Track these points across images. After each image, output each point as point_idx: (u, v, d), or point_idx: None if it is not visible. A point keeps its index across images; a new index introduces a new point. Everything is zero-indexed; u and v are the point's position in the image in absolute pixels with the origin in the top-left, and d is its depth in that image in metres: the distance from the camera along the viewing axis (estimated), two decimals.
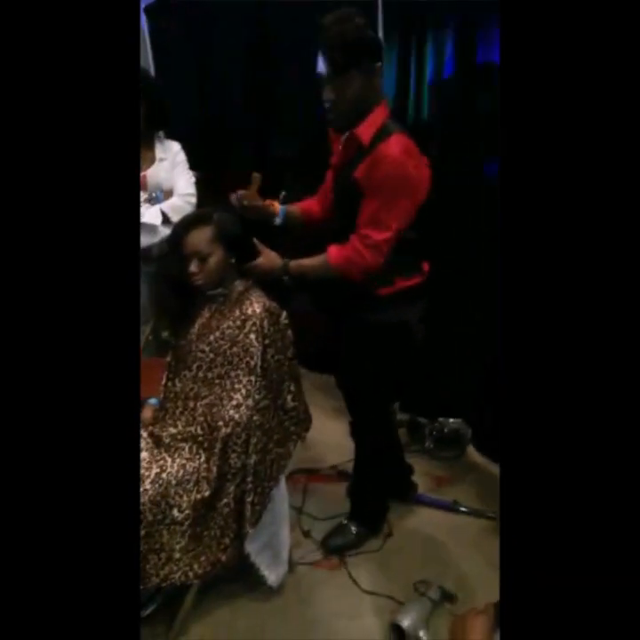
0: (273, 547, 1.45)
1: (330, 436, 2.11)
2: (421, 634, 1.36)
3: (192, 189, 1.96)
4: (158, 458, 1.32)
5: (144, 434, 1.38)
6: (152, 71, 2.61)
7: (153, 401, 1.47)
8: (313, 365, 2.34)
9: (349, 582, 1.57)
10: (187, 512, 1.26)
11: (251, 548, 1.37)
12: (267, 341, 1.34)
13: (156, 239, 1.84)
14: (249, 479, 1.30)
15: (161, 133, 1.98)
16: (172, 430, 1.37)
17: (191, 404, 1.39)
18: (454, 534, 1.74)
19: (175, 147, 1.99)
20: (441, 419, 2.14)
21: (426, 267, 1.54)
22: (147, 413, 1.45)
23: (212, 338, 1.39)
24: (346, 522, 1.71)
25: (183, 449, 1.34)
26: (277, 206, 1.56)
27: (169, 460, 1.31)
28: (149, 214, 1.84)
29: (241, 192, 1.51)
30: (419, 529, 1.78)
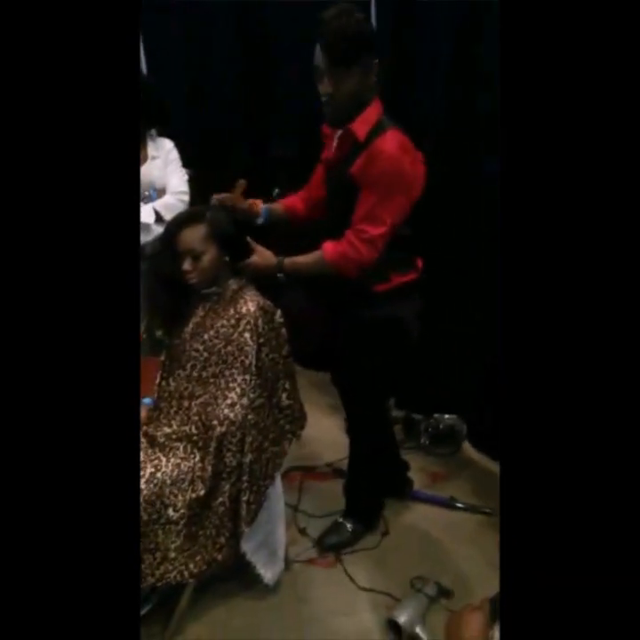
0: (269, 545, 1.45)
1: (325, 434, 2.11)
2: (418, 630, 1.36)
3: (185, 187, 1.95)
4: (153, 457, 1.31)
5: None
6: (144, 68, 2.60)
7: (147, 400, 1.47)
8: (308, 363, 2.34)
9: (346, 579, 1.58)
10: (182, 511, 1.26)
11: (246, 546, 1.37)
12: (261, 340, 1.34)
13: (148, 237, 1.83)
14: (244, 478, 1.30)
15: (153, 131, 1.97)
16: (167, 430, 1.37)
17: (186, 404, 1.38)
18: (450, 530, 1.75)
19: (168, 145, 1.98)
20: (436, 415, 2.14)
21: (420, 263, 1.55)
22: (141, 413, 1.44)
23: (206, 337, 1.38)
24: (341, 519, 1.72)
25: (178, 448, 1.33)
26: (260, 206, 1.55)
27: (164, 459, 1.31)
28: (142, 212, 1.83)
29: (223, 195, 1.49)
30: (415, 525, 1.78)
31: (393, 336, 1.52)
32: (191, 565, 1.27)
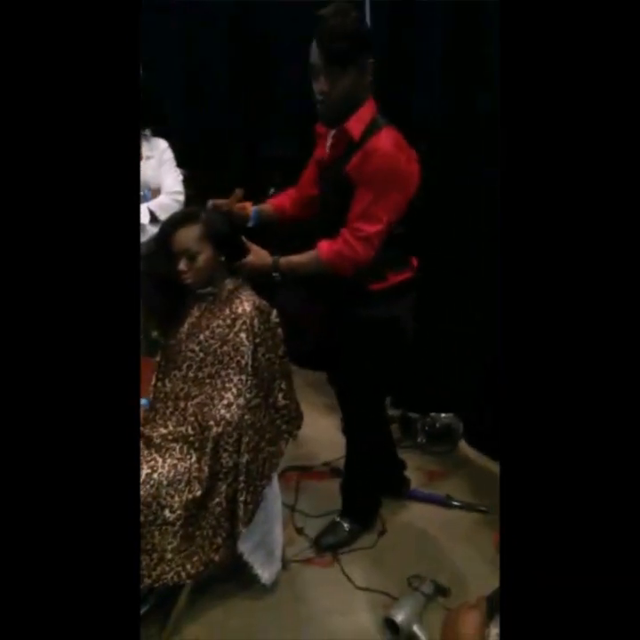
0: (266, 545, 1.45)
1: (322, 433, 2.11)
2: (415, 628, 1.36)
3: (180, 187, 1.95)
4: (149, 458, 1.31)
5: None
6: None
7: (143, 401, 1.46)
8: (304, 362, 2.33)
9: (343, 579, 1.58)
10: (178, 512, 1.26)
11: (244, 547, 1.37)
12: (257, 340, 1.34)
13: (143, 238, 1.83)
14: (241, 478, 1.30)
15: (148, 131, 1.97)
16: (163, 430, 1.36)
17: (182, 404, 1.38)
18: (447, 528, 1.75)
19: (162, 144, 1.98)
20: (433, 414, 2.15)
21: (414, 262, 1.55)
22: None
23: (202, 337, 1.38)
24: (338, 519, 1.72)
25: (174, 449, 1.33)
26: (250, 209, 1.55)
27: (160, 460, 1.30)
28: None
29: (219, 201, 1.49)
30: (412, 524, 1.78)
31: (389, 335, 1.53)
32: (188, 566, 1.27)
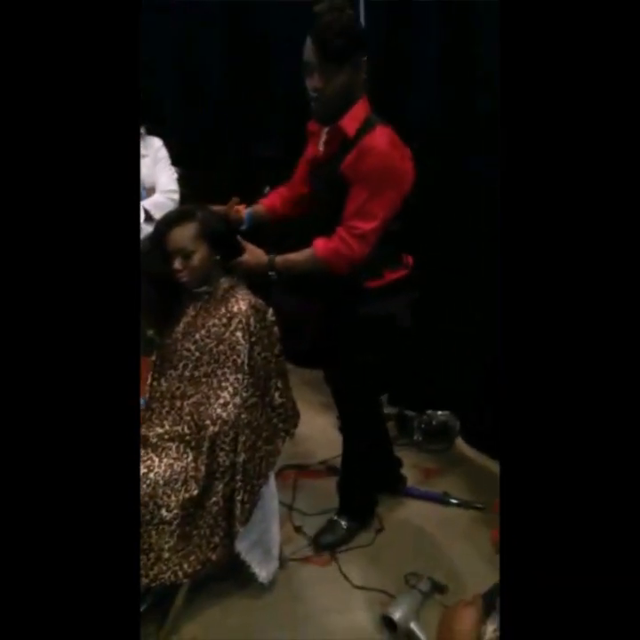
0: (263, 544, 1.45)
1: (318, 432, 2.11)
2: (412, 625, 1.37)
3: (174, 186, 1.94)
4: (145, 458, 1.31)
5: None
6: None
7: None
8: (300, 361, 2.34)
9: (340, 577, 1.58)
10: (175, 511, 1.25)
11: (241, 546, 1.37)
12: (253, 339, 1.34)
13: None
14: (238, 477, 1.29)
15: (142, 129, 1.96)
16: (159, 430, 1.36)
17: (178, 404, 1.38)
18: (444, 526, 1.76)
19: (156, 143, 1.97)
20: (429, 411, 2.15)
21: (409, 259, 1.55)
22: None
23: (197, 336, 1.38)
24: (336, 518, 1.72)
25: (170, 448, 1.33)
26: (243, 212, 1.55)
27: (156, 459, 1.30)
28: None
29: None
30: (409, 521, 1.79)
31: (386, 332, 1.53)
32: (185, 565, 1.27)
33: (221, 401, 1.30)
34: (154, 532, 1.25)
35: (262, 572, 1.46)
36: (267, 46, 2.30)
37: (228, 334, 1.34)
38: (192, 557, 1.28)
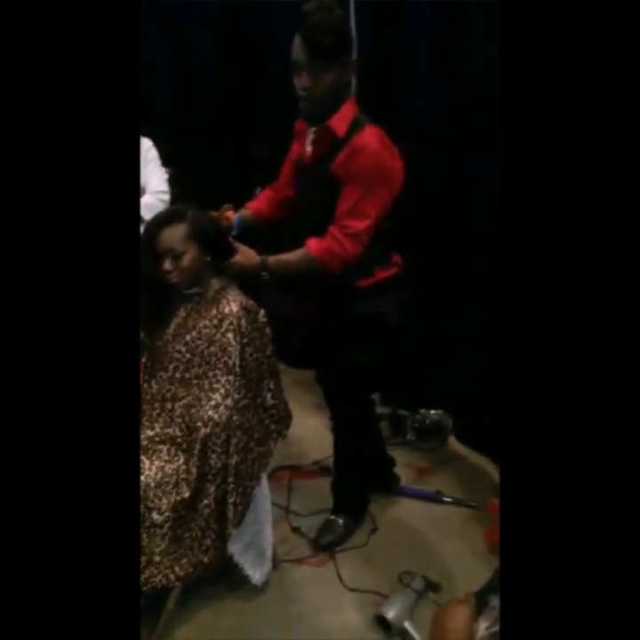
0: (256, 546, 1.45)
1: (311, 433, 2.11)
2: (406, 624, 1.37)
3: (165, 187, 1.94)
4: None
5: None
6: None
7: None
8: (292, 361, 2.33)
9: (335, 577, 1.58)
10: (166, 514, 1.25)
11: (234, 548, 1.36)
12: (245, 340, 1.33)
13: None
14: (230, 479, 1.29)
15: None
16: (150, 432, 1.35)
17: (169, 406, 1.37)
18: (437, 524, 1.76)
19: (146, 143, 1.96)
20: (422, 410, 2.15)
21: (397, 258, 1.56)
22: None
23: (188, 338, 1.37)
24: (332, 517, 1.72)
25: (161, 451, 1.32)
26: (233, 218, 1.55)
27: (147, 462, 1.29)
28: None
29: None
30: (402, 520, 1.79)
31: (377, 331, 1.53)
32: (177, 568, 1.26)
33: (213, 403, 1.30)
34: (145, 536, 1.24)
35: (256, 574, 1.46)
36: (263, 46, 2.30)
37: (219, 336, 1.33)
38: (184, 560, 1.27)
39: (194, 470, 1.27)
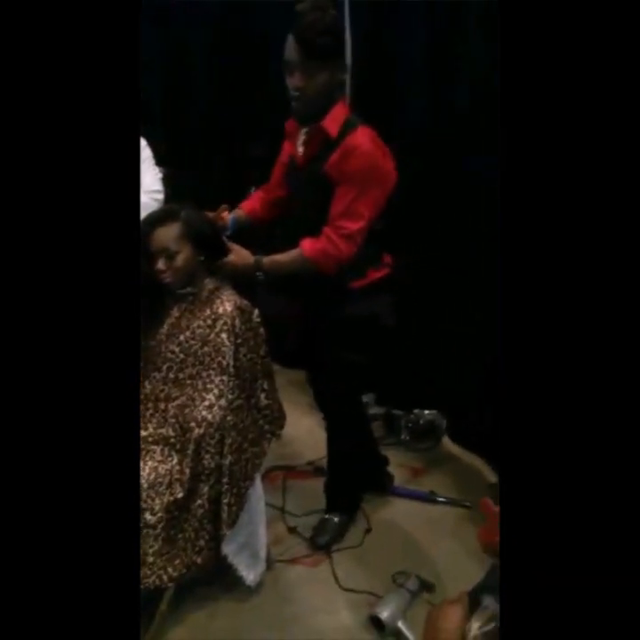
0: (251, 546, 1.44)
1: (305, 433, 2.11)
2: (400, 624, 1.37)
3: (159, 186, 1.92)
4: None
5: None
6: None
7: None
8: (287, 362, 2.33)
9: (329, 578, 1.58)
10: (159, 515, 1.24)
11: (228, 549, 1.36)
12: (238, 340, 1.33)
13: None
14: (224, 480, 1.28)
15: None
16: (143, 433, 1.35)
17: (162, 406, 1.36)
18: (431, 524, 1.76)
19: (141, 142, 1.95)
20: (416, 410, 2.16)
21: (388, 259, 1.57)
22: None
23: (182, 338, 1.37)
24: (327, 516, 1.72)
25: (155, 451, 1.31)
26: (227, 219, 1.55)
27: (140, 463, 1.29)
28: None
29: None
30: (396, 520, 1.79)
31: (370, 332, 1.54)
32: (170, 569, 1.26)
33: (206, 403, 1.29)
34: None
35: (250, 575, 1.45)
36: (261, 46, 2.29)
37: (212, 336, 1.33)
38: (177, 561, 1.27)
39: (187, 471, 1.26)
